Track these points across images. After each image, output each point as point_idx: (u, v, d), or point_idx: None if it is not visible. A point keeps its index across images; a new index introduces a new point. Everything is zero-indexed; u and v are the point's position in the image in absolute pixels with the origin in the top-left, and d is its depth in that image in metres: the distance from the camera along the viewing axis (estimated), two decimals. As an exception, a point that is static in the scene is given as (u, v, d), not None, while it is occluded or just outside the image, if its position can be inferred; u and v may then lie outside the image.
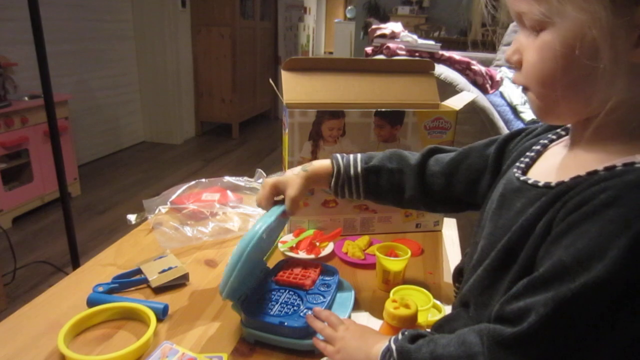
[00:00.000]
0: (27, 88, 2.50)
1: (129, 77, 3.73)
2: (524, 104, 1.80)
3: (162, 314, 0.68)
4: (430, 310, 0.68)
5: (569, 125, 0.54)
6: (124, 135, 3.73)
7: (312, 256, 0.87)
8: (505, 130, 1.58)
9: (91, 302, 0.70)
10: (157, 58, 3.75)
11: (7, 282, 1.83)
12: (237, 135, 4.30)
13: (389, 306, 0.60)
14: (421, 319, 0.64)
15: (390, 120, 0.92)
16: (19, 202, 2.38)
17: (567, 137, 0.53)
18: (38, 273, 1.97)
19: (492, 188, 0.59)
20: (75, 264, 1.66)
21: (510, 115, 1.79)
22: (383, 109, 0.91)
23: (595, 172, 0.42)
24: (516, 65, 0.48)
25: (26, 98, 2.43)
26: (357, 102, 0.97)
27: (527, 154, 0.55)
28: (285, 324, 0.62)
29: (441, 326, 0.56)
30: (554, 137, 0.55)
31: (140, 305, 0.67)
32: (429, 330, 0.59)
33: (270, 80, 0.98)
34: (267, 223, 0.63)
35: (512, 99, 1.84)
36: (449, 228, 1.04)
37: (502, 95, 1.87)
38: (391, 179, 0.70)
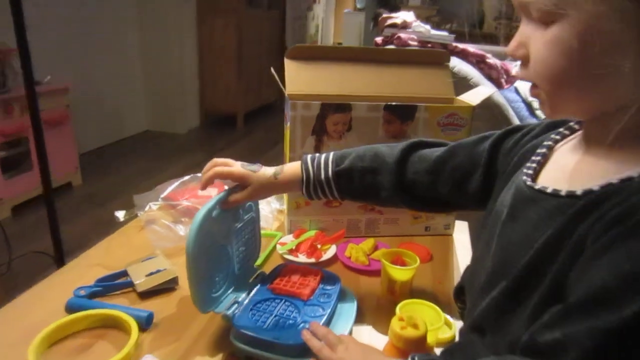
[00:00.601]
0: (28, 75, 2.45)
1: (132, 64, 3.68)
2: (540, 100, 1.73)
3: (145, 323, 0.62)
4: (441, 327, 0.61)
5: (571, 124, 0.49)
6: (126, 124, 3.69)
7: (312, 260, 0.81)
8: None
9: (70, 308, 0.65)
10: (160, 46, 3.69)
11: (2, 272, 1.80)
12: (242, 127, 4.24)
13: (395, 326, 0.54)
14: (430, 339, 0.57)
15: (400, 115, 0.86)
16: (18, 191, 2.35)
17: (573, 137, 0.47)
18: (36, 263, 1.93)
19: (495, 197, 0.53)
20: (60, 263, 1.61)
21: (525, 112, 1.71)
22: (393, 103, 0.85)
23: (629, 178, 0.37)
24: (522, 60, 0.43)
25: (26, 85, 2.38)
26: (365, 94, 0.91)
27: (533, 158, 0.49)
28: (280, 340, 0.56)
29: (452, 354, 0.50)
30: (557, 137, 0.49)
31: (121, 313, 0.62)
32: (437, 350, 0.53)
33: (272, 70, 0.90)
34: (206, 209, 0.59)
35: (528, 94, 1.76)
36: (461, 232, 0.97)
37: (517, 91, 1.79)
38: (363, 181, 0.65)
